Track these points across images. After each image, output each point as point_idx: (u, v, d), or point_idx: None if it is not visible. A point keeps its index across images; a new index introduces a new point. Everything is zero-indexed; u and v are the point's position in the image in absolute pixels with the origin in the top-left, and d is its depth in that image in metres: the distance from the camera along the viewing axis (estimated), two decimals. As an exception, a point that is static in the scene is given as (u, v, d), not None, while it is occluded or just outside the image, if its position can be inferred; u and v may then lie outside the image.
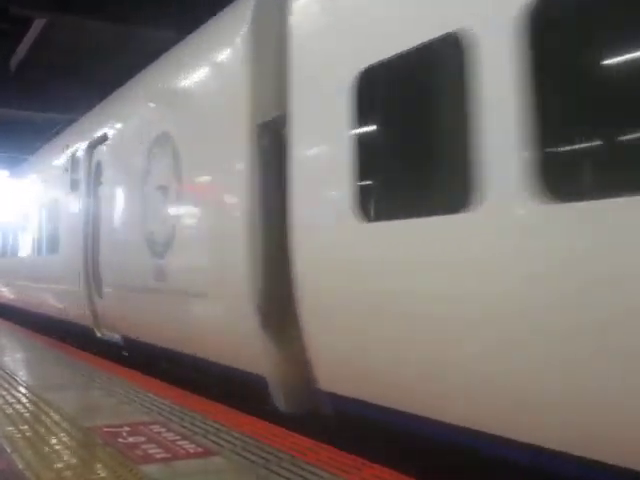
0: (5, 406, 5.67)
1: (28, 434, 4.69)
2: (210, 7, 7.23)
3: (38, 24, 14.52)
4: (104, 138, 9.34)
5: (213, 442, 4.45)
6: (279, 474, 3.75)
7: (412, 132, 3.94)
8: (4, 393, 6.27)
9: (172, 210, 6.90)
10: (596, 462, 2.93)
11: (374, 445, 4.47)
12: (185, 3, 11.90)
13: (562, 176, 3.07)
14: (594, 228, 2.83)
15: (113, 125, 9.26)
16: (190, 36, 7.33)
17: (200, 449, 4.28)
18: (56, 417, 5.23)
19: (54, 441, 4.50)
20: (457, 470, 4.05)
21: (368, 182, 4.18)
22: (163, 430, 4.78)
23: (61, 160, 11.63)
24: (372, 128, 4.27)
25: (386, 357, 4.04)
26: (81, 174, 10.14)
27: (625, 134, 2.87)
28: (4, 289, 17.11)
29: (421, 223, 3.69)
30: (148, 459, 4.05)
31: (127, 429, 4.81)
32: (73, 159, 10.67)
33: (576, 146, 3.06)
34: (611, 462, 2.84)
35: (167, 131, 7.03)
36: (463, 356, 3.53)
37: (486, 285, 3.31)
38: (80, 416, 5.25)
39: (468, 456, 3.85)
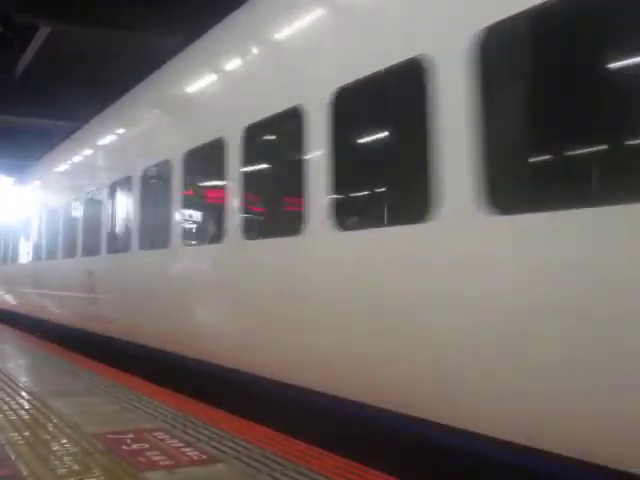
0: (9, 412, 5.66)
1: (32, 440, 4.68)
2: (214, 15, 7.28)
3: (43, 31, 14.61)
4: None
5: (217, 449, 4.44)
6: (283, 481, 3.75)
7: None
8: (8, 399, 6.27)
9: None
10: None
11: (379, 452, 4.45)
12: (189, 11, 11.95)
13: None
14: None
15: None
16: None
17: (204, 456, 4.27)
18: (60, 423, 5.22)
19: (58, 447, 4.50)
20: (461, 475, 4.03)
21: None
22: (167, 437, 4.77)
23: None
24: None
25: None
26: None
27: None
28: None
29: None
30: (151, 466, 4.04)
31: (131, 436, 4.80)
32: None
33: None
34: None
35: None
36: None
37: None
38: (83, 422, 5.25)
39: (471, 460, 3.83)
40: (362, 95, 4.69)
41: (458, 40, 3.78)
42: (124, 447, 4.48)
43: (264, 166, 6.25)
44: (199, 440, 4.68)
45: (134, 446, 4.50)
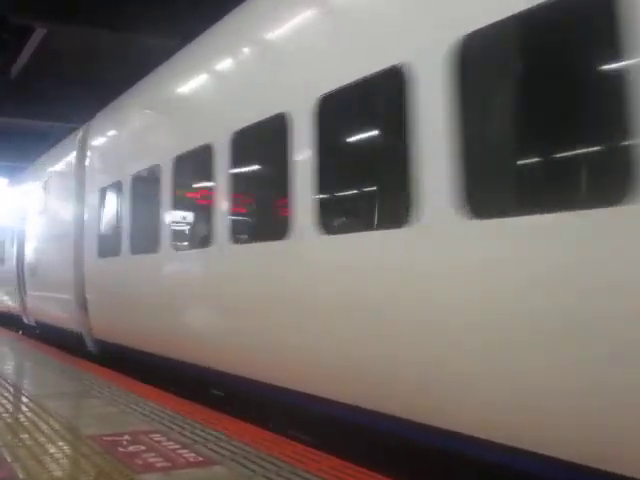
0: (5, 415, 5.66)
1: (29, 443, 4.68)
2: (209, 16, 7.28)
3: (39, 33, 14.59)
4: None
5: (213, 451, 4.44)
6: (279, 483, 3.75)
7: None
8: (4, 402, 6.26)
9: None
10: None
11: (377, 454, 4.46)
12: (185, 12, 11.96)
13: None
14: None
15: None
16: None
17: (200, 458, 4.27)
18: (56, 426, 5.22)
19: (54, 450, 4.49)
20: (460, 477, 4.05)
21: None
22: (163, 439, 4.77)
23: None
24: None
25: None
26: None
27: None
28: None
29: None
30: (148, 468, 4.05)
31: (127, 438, 4.80)
32: None
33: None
34: None
35: None
36: None
37: None
38: (80, 425, 5.25)
39: (471, 463, 3.84)
40: (346, 101, 4.65)
41: (437, 48, 3.79)
42: (120, 449, 4.48)
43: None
44: (195, 442, 4.68)
45: (130, 448, 4.51)
